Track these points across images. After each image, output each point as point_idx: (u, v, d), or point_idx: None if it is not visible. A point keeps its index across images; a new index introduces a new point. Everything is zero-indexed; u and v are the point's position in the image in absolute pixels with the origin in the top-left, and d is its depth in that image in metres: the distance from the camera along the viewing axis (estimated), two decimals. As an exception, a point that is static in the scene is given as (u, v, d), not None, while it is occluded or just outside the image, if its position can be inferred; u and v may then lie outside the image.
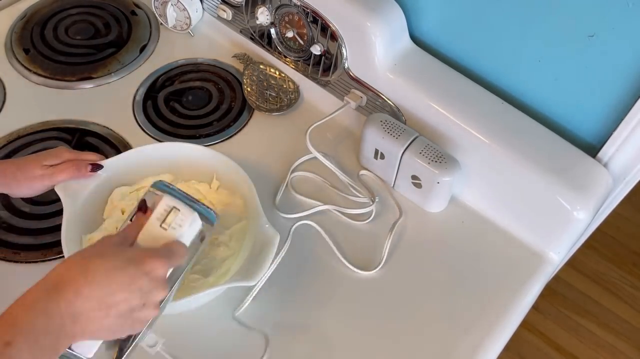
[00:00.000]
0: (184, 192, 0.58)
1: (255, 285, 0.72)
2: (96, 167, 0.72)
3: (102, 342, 0.54)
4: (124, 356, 0.55)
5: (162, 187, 0.57)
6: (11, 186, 0.67)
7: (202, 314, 0.71)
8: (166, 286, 0.53)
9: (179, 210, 0.55)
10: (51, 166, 0.70)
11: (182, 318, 0.71)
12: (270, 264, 0.72)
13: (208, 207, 0.59)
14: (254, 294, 0.72)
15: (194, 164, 0.78)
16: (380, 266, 0.76)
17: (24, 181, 0.67)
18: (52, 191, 0.71)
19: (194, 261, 0.60)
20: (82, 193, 0.71)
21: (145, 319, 0.53)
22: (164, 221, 0.55)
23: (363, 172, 0.86)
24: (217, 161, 0.77)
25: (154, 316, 0.53)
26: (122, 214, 0.74)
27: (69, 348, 0.52)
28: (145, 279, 0.51)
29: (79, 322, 0.49)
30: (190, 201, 0.57)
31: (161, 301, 0.54)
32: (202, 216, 0.58)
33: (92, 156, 0.73)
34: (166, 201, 0.56)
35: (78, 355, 0.53)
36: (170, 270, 0.56)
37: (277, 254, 0.74)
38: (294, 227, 0.78)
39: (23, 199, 0.79)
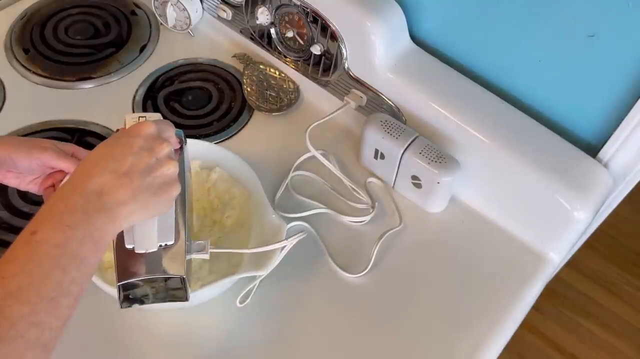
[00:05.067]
0: None
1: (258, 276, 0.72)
2: None
3: (156, 232, 0.56)
4: (185, 263, 0.57)
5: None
6: (9, 145, 0.63)
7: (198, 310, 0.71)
8: (165, 140, 0.55)
9: (144, 116, 0.59)
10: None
11: (183, 313, 0.71)
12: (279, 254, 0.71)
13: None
14: (257, 284, 0.72)
15: (197, 159, 0.78)
16: (367, 270, 0.76)
17: (25, 144, 0.64)
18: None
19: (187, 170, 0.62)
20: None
21: (171, 174, 0.54)
22: None
23: (366, 175, 0.86)
24: (218, 153, 0.78)
25: (174, 169, 0.54)
26: None
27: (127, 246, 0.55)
28: (139, 139, 0.53)
29: (105, 194, 0.50)
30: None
31: (171, 155, 0.55)
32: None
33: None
34: (130, 116, 0.59)
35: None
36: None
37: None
38: (287, 227, 0.78)
39: (23, 199, 0.79)
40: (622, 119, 0.71)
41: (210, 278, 0.70)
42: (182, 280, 0.57)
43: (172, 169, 0.54)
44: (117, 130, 0.60)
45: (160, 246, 0.56)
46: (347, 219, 0.81)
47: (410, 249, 0.79)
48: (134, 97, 0.93)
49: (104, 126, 0.88)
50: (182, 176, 0.59)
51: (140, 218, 0.53)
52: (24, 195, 0.79)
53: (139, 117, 0.59)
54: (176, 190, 0.55)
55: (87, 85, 0.94)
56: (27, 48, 0.97)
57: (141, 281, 0.57)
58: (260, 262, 0.68)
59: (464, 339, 0.72)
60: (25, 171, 0.62)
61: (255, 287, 0.72)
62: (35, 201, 0.79)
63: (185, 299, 0.59)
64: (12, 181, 0.64)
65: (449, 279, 0.77)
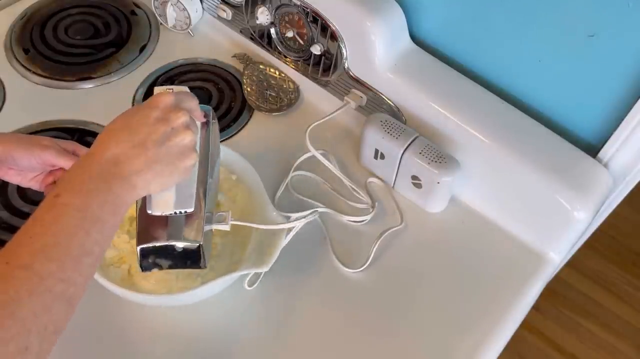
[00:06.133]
0: None
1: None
2: None
3: (174, 198, 0.57)
4: (202, 231, 0.59)
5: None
6: (10, 143, 0.63)
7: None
8: (182, 110, 0.56)
9: (172, 89, 0.59)
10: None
11: (186, 309, 0.71)
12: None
13: None
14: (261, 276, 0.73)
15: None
16: (365, 265, 0.76)
17: (26, 142, 0.64)
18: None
19: (210, 145, 0.63)
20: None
21: (188, 144, 0.55)
22: None
23: (366, 175, 0.86)
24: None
25: (191, 139, 0.55)
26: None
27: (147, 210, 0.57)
28: (156, 110, 0.55)
29: (122, 162, 0.52)
30: None
31: (187, 124, 0.55)
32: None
33: None
34: (159, 89, 0.60)
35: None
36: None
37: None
38: (294, 227, 0.78)
39: (23, 199, 0.79)
40: (622, 119, 0.71)
41: (211, 275, 0.70)
42: (200, 247, 0.59)
43: (188, 138, 0.55)
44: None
45: (180, 212, 0.58)
46: (347, 218, 0.81)
47: (410, 249, 0.79)
48: (134, 97, 0.93)
49: (104, 126, 0.88)
50: (206, 149, 0.61)
51: (158, 186, 0.55)
52: (23, 195, 0.79)
53: (167, 89, 0.60)
54: (192, 159, 0.56)
55: (87, 85, 0.94)
56: (27, 48, 0.97)
57: (160, 246, 0.59)
58: (260, 259, 0.68)
59: (464, 339, 0.72)
60: (26, 169, 0.63)
61: (260, 278, 0.72)
62: (35, 200, 0.79)
63: (203, 266, 0.61)
64: (14, 178, 0.64)
65: (448, 279, 0.77)
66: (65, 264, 0.47)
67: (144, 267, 0.60)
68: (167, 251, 0.59)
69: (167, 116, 0.55)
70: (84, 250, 0.49)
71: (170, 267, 0.61)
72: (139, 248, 0.59)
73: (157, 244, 0.59)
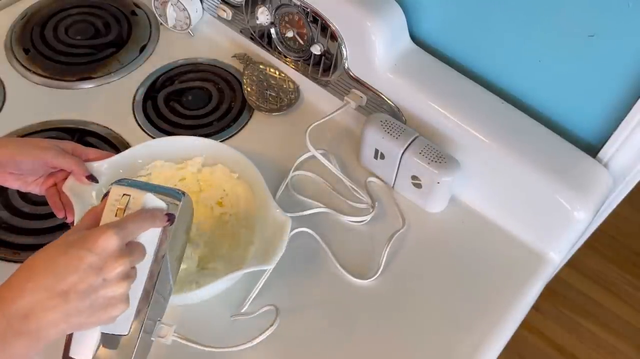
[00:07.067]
0: (143, 182, 0.57)
1: (256, 286, 0.73)
2: (91, 178, 0.69)
3: (97, 340, 0.52)
4: (134, 350, 0.53)
5: (122, 181, 0.56)
6: (11, 147, 0.62)
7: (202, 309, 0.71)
8: (122, 257, 0.49)
9: (129, 195, 0.53)
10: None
11: (186, 310, 0.71)
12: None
13: (171, 187, 0.57)
14: (255, 292, 0.72)
15: (199, 156, 0.78)
16: (377, 274, 0.76)
17: (25, 145, 0.63)
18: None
19: (171, 242, 0.56)
20: (90, 192, 0.71)
21: (118, 296, 0.49)
22: (117, 210, 0.53)
23: (366, 175, 0.86)
24: (220, 150, 0.78)
25: (123, 291, 0.49)
26: None
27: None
28: (91, 256, 0.47)
29: (32, 317, 0.45)
30: (146, 187, 0.55)
31: (125, 275, 0.49)
32: (163, 196, 0.55)
33: (93, 154, 0.73)
34: (115, 191, 0.54)
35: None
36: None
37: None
38: (293, 232, 0.78)
39: (23, 199, 0.79)
40: (622, 119, 0.71)
41: (215, 274, 0.70)
42: None
43: (120, 290, 0.49)
44: (106, 194, 0.54)
45: (113, 335, 0.53)
46: (347, 218, 0.81)
47: (411, 250, 0.79)
48: (134, 97, 0.93)
49: (104, 126, 0.88)
50: (161, 255, 0.55)
51: (68, 330, 0.49)
52: (24, 195, 0.79)
53: (124, 194, 0.53)
54: (120, 310, 0.50)
55: (87, 85, 0.94)
56: (27, 48, 0.97)
57: None
58: (265, 257, 0.68)
59: (464, 339, 0.72)
60: (27, 172, 0.62)
61: (257, 290, 0.72)
62: (35, 201, 0.79)
63: None
64: (14, 183, 0.64)
65: (449, 280, 0.77)
66: None
67: None
68: None
69: (103, 264, 0.47)
70: None
71: None
72: None
73: None
